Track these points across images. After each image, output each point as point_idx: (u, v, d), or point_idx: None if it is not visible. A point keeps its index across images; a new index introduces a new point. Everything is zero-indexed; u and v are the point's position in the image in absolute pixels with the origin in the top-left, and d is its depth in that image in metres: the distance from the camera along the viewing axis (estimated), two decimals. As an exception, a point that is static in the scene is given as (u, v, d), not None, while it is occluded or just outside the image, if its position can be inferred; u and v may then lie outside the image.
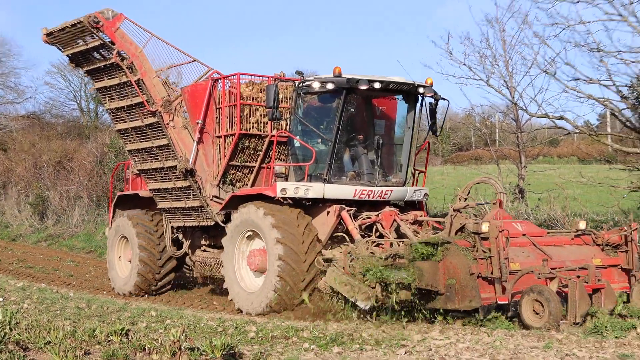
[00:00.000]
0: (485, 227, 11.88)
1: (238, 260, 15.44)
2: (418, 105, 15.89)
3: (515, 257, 12.04)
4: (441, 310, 12.35)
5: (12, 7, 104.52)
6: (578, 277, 11.78)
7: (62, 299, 16.29)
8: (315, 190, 14.72)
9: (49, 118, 55.91)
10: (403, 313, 12.29)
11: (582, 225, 13.76)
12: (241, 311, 14.98)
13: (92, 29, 16.10)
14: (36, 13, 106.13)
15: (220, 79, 15.98)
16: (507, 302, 11.63)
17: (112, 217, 20.18)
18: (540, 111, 21.21)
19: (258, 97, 15.47)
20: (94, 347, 9.59)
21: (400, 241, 13.98)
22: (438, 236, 12.51)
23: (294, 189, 14.65)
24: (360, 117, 15.70)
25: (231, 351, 9.29)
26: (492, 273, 11.59)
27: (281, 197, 14.70)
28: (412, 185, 16.38)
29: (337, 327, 12.66)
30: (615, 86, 20.08)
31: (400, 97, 16.01)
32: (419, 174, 16.72)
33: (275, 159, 15.90)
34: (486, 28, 25.05)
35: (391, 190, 15.55)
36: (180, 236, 18.48)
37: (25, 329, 10.56)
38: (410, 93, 15.62)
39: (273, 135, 15.71)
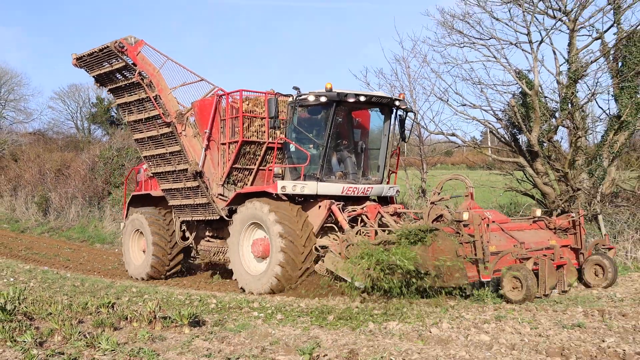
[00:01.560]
0: (465, 216, 11.90)
1: (242, 248, 15.32)
2: (392, 116, 15.76)
3: (492, 241, 11.96)
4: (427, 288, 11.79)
5: (21, 45, 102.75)
6: (545, 255, 11.83)
7: (61, 279, 16.51)
8: (310, 187, 14.63)
9: (51, 134, 59.51)
10: (397, 291, 11.67)
11: (538, 213, 13.97)
12: (244, 290, 14.88)
13: (118, 53, 15.98)
14: (41, 50, 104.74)
15: (224, 95, 15.96)
16: (489, 280, 11.70)
17: (126, 214, 20.07)
18: (437, 129, 22.97)
19: (254, 110, 15.61)
20: (86, 317, 9.81)
21: (384, 229, 14.07)
22: (427, 224, 12.33)
23: (292, 186, 14.56)
24: (344, 126, 15.74)
25: (196, 319, 9.60)
26: (475, 255, 11.57)
27: (281, 194, 14.58)
28: (387, 184, 16.19)
29: (307, 303, 13.02)
30: (492, 111, 21.86)
31: (377, 109, 15.77)
32: (391, 173, 16.56)
33: (271, 163, 15.81)
34: (395, 65, 25.47)
35: (372, 187, 15.45)
36: (185, 229, 18.20)
37: (31, 303, 10.83)
38: (387, 105, 15.54)
39: (272, 143, 15.59)
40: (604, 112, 21.37)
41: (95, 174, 34.38)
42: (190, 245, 18.28)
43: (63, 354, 7.54)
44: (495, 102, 25.31)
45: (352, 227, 14.28)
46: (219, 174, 15.93)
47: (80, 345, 7.89)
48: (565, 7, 20.46)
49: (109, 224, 30.86)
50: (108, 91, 17.85)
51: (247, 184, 15.82)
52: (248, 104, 15.56)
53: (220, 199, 15.92)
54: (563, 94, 20.51)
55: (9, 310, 9.41)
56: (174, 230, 18.23)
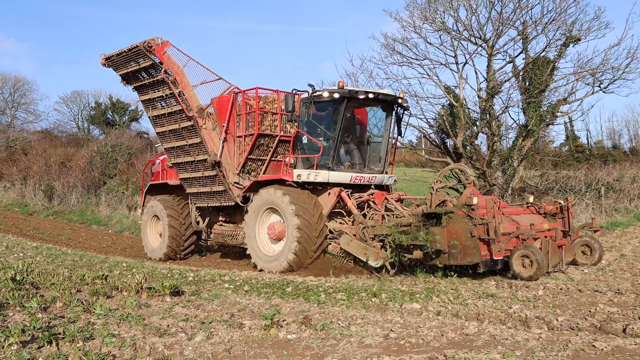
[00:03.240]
0: (475, 200, 11.17)
1: (259, 231, 14.48)
2: (392, 112, 14.97)
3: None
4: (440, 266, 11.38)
5: (32, 57, 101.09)
6: (545, 237, 11.25)
7: (62, 255, 16.21)
8: (322, 176, 13.84)
9: (56, 133, 59.79)
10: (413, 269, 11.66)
11: (531, 199, 13.26)
12: (262, 270, 13.97)
13: (146, 52, 15.07)
14: (48, 60, 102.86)
15: (239, 92, 15.24)
16: (501, 258, 10.81)
17: (144, 202, 19.24)
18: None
19: (265, 107, 14.84)
20: (84, 287, 9.66)
21: (389, 214, 13.39)
22: (443, 208, 11.54)
23: (306, 174, 13.78)
24: (350, 121, 14.80)
25: (176, 289, 9.52)
26: (488, 235, 10.76)
27: (296, 181, 13.85)
28: (386, 173, 15.38)
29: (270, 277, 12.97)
30: (425, 119, 21.77)
31: (379, 106, 14.92)
32: (389, 164, 15.67)
33: (282, 154, 15.22)
34: (346, 79, 25.67)
35: (375, 177, 14.76)
36: (198, 215, 17.48)
37: (37, 275, 10.65)
38: (390, 102, 14.71)
39: (284, 136, 14.93)
40: (515, 122, 21.88)
41: (93, 167, 34.52)
42: (203, 229, 17.47)
43: (64, 317, 7.44)
44: (428, 111, 25.75)
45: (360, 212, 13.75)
46: (235, 164, 15.24)
47: (78, 311, 7.79)
48: (485, 36, 20.81)
49: (104, 209, 30.58)
50: (133, 89, 16.79)
51: (259, 174, 15.14)
52: (260, 102, 14.86)
53: (236, 186, 15.21)
54: (482, 107, 20.89)
55: (19, 280, 9.27)
56: (188, 216, 17.52)
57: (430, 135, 22.57)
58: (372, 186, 14.84)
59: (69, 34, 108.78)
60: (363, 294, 9.63)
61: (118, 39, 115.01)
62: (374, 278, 11.40)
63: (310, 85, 14.16)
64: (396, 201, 14.02)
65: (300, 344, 6.29)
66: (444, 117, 20.79)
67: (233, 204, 15.48)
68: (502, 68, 21.26)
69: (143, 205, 19.23)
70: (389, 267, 12.04)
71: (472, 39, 21.16)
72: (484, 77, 20.95)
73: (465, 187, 13.54)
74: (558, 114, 21.56)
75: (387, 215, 13.40)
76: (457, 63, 21.12)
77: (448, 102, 21.08)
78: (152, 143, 53.39)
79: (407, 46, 22.35)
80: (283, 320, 7.27)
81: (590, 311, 7.74)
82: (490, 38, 20.91)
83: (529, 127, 20.19)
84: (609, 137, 45.64)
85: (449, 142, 21.78)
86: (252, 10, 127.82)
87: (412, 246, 11.39)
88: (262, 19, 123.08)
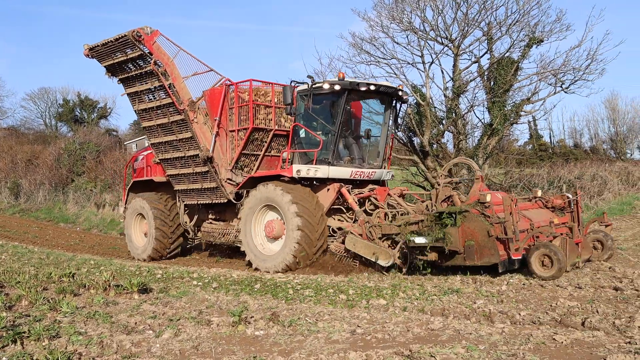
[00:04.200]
0: (488, 198, 10.65)
1: (255, 229, 13.72)
2: (391, 106, 14.36)
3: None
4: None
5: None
6: (561, 234, 10.69)
7: (29, 253, 16.00)
8: (322, 171, 13.23)
9: (23, 130, 59.73)
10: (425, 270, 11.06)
11: (539, 193, 12.58)
12: (257, 269, 13.30)
13: (135, 42, 14.01)
14: (14, 57, 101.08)
15: (232, 85, 14.47)
16: (519, 258, 10.24)
17: (126, 200, 18.19)
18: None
19: (257, 100, 14.14)
20: (50, 285, 9.53)
21: (391, 211, 12.78)
22: (457, 206, 11.01)
23: (306, 170, 13.14)
24: (348, 114, 14.08)
25: (144, 287, 9.48)
26: (506, 234, 10.16)
27: (296, 177, 13.16)
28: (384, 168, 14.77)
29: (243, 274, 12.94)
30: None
31: (377, 99, 14.36)
32: (388, 159, 15.07)
33: (275, 149, 14.62)
34: (315, 78, 25.55)
35: (374, 172, 14.13)
36: (186, 214, 16.71)
37: (2, 273, 10.43)
38: (390, 95, 14.11)
39: (279, 130, 14.35)
40: (480, 121, 22.08)
41: (61, 164, 34.10)
42: (190, 227, 16.64)
43: (29, 316, 7.35)
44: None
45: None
46: (227, 160, 14.46)
47: (44, 309, 7.69)
48: (451, 36, 20.98)
49: (71, 207, 30.20)
50: (118, 81, 15.67)
51: (252, 170, 14.40)
52: (248, 95, 14.12)
53: (228, 183, 14.47)
54: (448, 106, 21.06)
55: (-18, 279, 9.13)
56: (176, 214, 16.67)
57: (398, 133, 22.71)
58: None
59: (37, 31, 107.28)
60: (331, 291, 9.64)
61: (88, 36, 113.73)
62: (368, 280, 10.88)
63: (309, 77, 13.59)
64: (399, 197, 13.56)
65: (268, 340, 6.29)
66: (411, 116, 20.91)
67: (225, 201, 14.79)
68: (467, 68, 21.47)
69: (126, 203, 18.26)
70: (401, 265, 11.52)
71: (439, 39, 21.32)
72: (450, 76, 21.12)
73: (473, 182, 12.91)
74: (522, 113, 21.85)
75: (392, 212, 12.82)
76: (423, 62, 21.25)
77: (415, 101, 21.19)
78: (121, 140, 52.96)
79: (374, 45, 22.45)
80: (251, 317, 7.26)
81: (551, 305, 7.85)
82: (456, 38, 21.09)
83: (493, 126, 20.41)
84: (571, 136, 46.42)
85: (416, 140, 21.90)
86: (224, 10, 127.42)
87: (419, 247, 10.78)
88: (234, 17, 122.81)
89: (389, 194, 13.49)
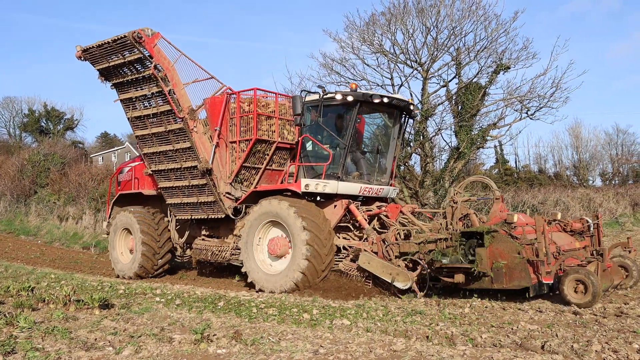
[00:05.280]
0: (515, 218, 10.33)
1: (257, 246, 12.97)
2: (400, 120, 14.01)
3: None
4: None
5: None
6: (595, 259, 10.19)
7: (-14, 265, 15.28)
8: (331, 186, 12.66)
9: None
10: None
11: (558, 216, 11.81)
12: (260, 290, 12.57)
13: (135, 43, 12.88)
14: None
15: (233, 93, 13.69)
16: (550, 282, 9.67)
17: (110, 213, 17.21)
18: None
19: (259, 110, 13.26)
20: (8, 299, 9.34)
21: (410, 229, 12.21)
22: (485, 225, 10.43)
23: (315, 185, 12.53)
24: (357, 127, 13.48)
25: (106, 302, 9.29)
26: (537, 256, 9.62)
27: (303, 192, 12.56)
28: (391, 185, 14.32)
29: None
30: None
31: (386, 113, 13.93)
32: (395, 176, 14.65)
33: (277, 162, 13.80)
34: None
35: (382, 189, 13.62)
36: (176, 230, 15.90)
37: (-44, 288, 9.96)
38: (402, 109, 13.67)
39: (282, 142, 13.45)
40: (447, 144, 22.40)
41: (24, 175, 33.53)
42: (179, 244, 15.84)
43: (-17, 331, 7.17)
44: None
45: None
46: (227, 172, 13.58)
47: (1, 323, 7.49)
48: (420, 60, 21.30)
49: (33, 219, 29.69)
50: (112, 86, 14.43)
51: (252, 184, 13.60)
52: (250, 105, 13.36)
53: (227, 197, 13.58)
54: (416, 128, 21.27)
55: None
56: (164, 229, 15.74)
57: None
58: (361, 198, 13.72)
59: (2, 38, 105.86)
60: (294, 310, 9.59)
61: (56, 45, 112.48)
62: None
63: (320, 87, 13.03)
64: (411, 214, 13.02)
65: (230, 359, 6.24)
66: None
67: (223, 216, 13.93)
68: (436, 92, 21.83)
69: (109, 217, 17.28)
70: (417, 290, 11.02)
71: (408, 62, 21.67)
72: (418, 99, 21.41)
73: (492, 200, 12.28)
74: (488, 137, 22.23)
75: (410, 229, 12.27)
76: (393, 85, 21.56)
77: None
78: (87, 153, 52.37)
79: (345, 66, 22.75)
80: (214, 335, 7.19)
81: (512, 329, 7.91)
82: (425, 62, 21.43)
83: (460, 150, 20.71)
84: (536, 162, 47.09)
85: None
86: (193, 25, 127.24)
87: (449, 269, 10.21)
88: (205, 32, 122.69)
89: (401, 212, 13.01)
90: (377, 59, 22.18)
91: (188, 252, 15.93)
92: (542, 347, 6.80)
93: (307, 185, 12.56)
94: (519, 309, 9.46)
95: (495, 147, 34.73)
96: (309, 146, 13.43)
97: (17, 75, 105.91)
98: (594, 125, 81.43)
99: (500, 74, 21.34)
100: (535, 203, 23.50)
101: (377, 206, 13.40)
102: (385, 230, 12.46)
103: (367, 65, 22.34)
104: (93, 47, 13.64)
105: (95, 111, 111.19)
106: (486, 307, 9.79)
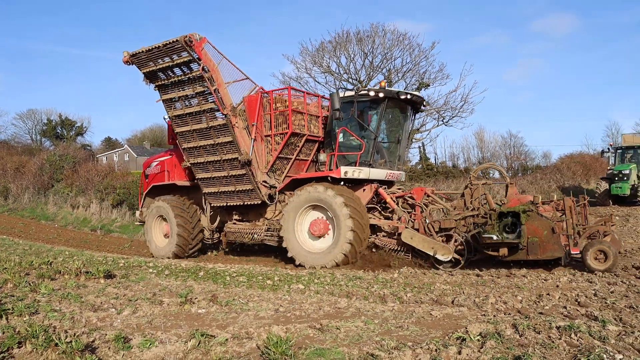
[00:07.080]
0: (540, 199, 9.93)
1: (298, 228, 12.00)
2: (413, 114, 13.07)
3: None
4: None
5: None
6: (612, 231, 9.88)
7: (14, 244, 15.40)
8: (364, 172, 11.82)
9: (13, 143, 57.51)
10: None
11: (555, 196, 11.38)
12: (300, 265, 11.73)
13: (186, 47, 11.56)
14: (6, 84, 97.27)
15: (267, 92, 12.79)
16: (578, 252, 9.27)
17: (142, 203, 15.74)
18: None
19: (283, 108, 12.64)
20: (32, 271, 9.16)
21: (441, 207, 11.46)
22: (522, 205, 9.74)
23: (352, 171, 11.67)
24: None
25: (109, 273, 9.09)
26: (567, 231, 9.28)
27: (342, 178, 11.73)
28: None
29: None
30: None
31: (403, 107, 12.70)
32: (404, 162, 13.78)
33: (304, 153, 13.02)
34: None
35: (401, 174, 12.93)
36: (202, 214, 14.66)
37: (-8, 261, 9.74)
38: (417, 104, 12.76)
39: (311, 135, 12.75)
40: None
41: (43, 172, 33.06)
42: (209, 228, 14.45)
43: (13, 296, 7.02)
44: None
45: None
46: (263, 163, 12.64)
47: (26, 290, 7.35)
48: (360, 78, 21.45)
49: (51, 207, 29.13)
50: (155, 87, 13.03)
51: (283, 172, 12.76)
52: (278, 103, 12.64)
53: (263, 185, 12.63)
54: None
55: (-26, 266, 8.67)
56: (194, 214, 14.46)
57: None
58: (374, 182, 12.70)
59: (27, 63, 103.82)
60: (260, 277, 9.57)
61: (69, 68, 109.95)
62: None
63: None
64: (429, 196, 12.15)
65: (208, 317, 6.22)
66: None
67: (259, 202, 12.87)
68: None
69: (142, 207, 15.80)
70: (461, 260, 10.30)
71: (350, 80, 21.83)
72: (359, 110, 21.56)
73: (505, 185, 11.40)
74: (413, 140, 22.50)
75: (441, 208, 11.55)
76: (338, 99, 21.66)
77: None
78: (94, 154, 51.46)
79: (300, 83, 22.77)
80: (195, 298, 7.15)
81: (430, 289, 8.05)
82: (363, 80, 21.60)
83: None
84: (450, 159, 48.03)
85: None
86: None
87: (493, 243, 9.51)
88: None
89: (426, 194, 12.00)
90: (326, 77, 22.35)
91: (216, 235, 14.74)
92: (452, 301, 6.95)
93: (346, 172, 11.75)
94: (436, 274, 9.63)
95: (419, 147, 35.26)
96: (340, 137, 12.45)
97: (38, 92, 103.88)
98: (493, 131, 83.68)
99: (421, 90, 21.65)
100: (449, 192, 23.83)
101: (398, 189, 12.68)
102: (412, 210, 11.64)
103: (318, 82, 22.49)
104: (142, 52, 12.35)
105: (100, 120, 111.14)
106: (411, 272, 9.95)
